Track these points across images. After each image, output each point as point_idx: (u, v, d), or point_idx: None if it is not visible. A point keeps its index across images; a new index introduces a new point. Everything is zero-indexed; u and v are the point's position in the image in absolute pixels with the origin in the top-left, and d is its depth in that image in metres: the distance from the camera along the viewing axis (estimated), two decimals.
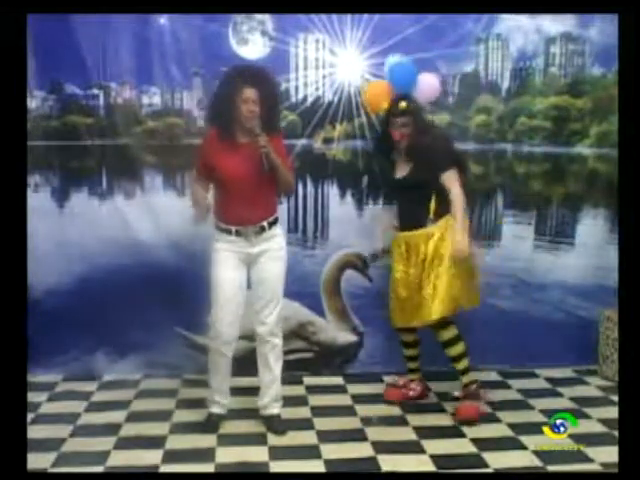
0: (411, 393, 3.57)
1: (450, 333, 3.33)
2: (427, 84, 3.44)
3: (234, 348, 3.17)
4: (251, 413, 3.29)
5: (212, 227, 3.12)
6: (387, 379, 3.77)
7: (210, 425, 3.22)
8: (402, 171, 3.35)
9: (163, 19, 3.75)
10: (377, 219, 3.63)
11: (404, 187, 3.34)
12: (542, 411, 3.45)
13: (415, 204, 3.32)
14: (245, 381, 3.44)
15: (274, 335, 3.16)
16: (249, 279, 3.15)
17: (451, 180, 3.24)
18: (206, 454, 2.99)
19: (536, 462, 2.95)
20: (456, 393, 3.46)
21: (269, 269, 3.11)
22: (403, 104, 3.26)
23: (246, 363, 3.36)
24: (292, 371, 3.95)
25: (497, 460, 2.95)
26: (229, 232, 3.06)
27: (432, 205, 3.30)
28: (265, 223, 3.06)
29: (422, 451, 3.05)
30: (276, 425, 3.21)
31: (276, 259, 3.12)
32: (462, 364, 3.38)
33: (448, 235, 3.24)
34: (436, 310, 3.24)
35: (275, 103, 3.10)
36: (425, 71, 3.48)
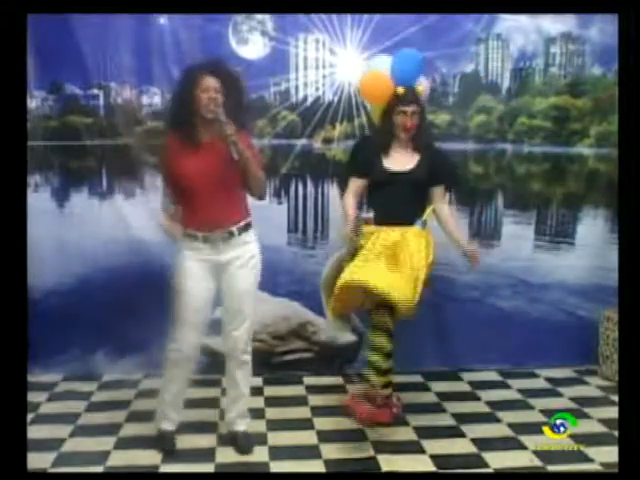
0: (395, 410, 3.31)
1: (388, 321, 3.06)
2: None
3: (195, 363, 2.97)
4: (250, 413, 3.28)
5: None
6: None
7: (165, 442, 3.01)
8: (402, 164, 3.17)
9: (163, 19, 3.75)
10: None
11: (406, 181, 3.15)
12: (542, 411, 3.45)
13: (413, 200, 3.19)
14: None
15: (242, 352, 2.93)
16: (220, 291, 2.93)
17: (444, 196, 3.23)
18: (206, 454, 2.99)
19: (536, 462, 2.95)
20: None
21: (237, 279, 2.86)
22: (420, 88, 3.17)
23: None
24: (292, 371, 3.97)
25: (497, 460, 2.96)
26: (195, 238, 2.83)
27: (428, 207, 3.22)
28: (234, 228, 2.82)
29: (422, 451, 3.05)
30: (242, 442, 3.03)
31: (246, 268, 2.87)
32: (375, 357, 3.09)
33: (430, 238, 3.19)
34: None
35: (240, 95, 2.82)
36: (425, 71, 3.46)
